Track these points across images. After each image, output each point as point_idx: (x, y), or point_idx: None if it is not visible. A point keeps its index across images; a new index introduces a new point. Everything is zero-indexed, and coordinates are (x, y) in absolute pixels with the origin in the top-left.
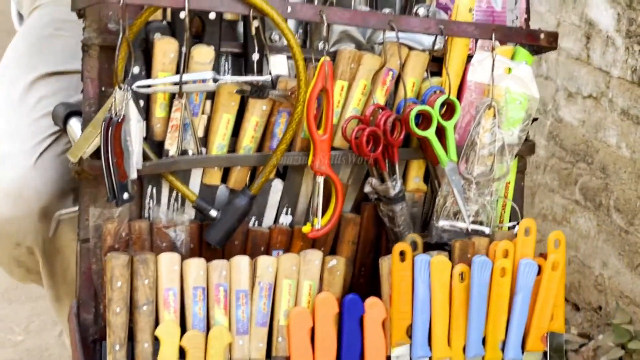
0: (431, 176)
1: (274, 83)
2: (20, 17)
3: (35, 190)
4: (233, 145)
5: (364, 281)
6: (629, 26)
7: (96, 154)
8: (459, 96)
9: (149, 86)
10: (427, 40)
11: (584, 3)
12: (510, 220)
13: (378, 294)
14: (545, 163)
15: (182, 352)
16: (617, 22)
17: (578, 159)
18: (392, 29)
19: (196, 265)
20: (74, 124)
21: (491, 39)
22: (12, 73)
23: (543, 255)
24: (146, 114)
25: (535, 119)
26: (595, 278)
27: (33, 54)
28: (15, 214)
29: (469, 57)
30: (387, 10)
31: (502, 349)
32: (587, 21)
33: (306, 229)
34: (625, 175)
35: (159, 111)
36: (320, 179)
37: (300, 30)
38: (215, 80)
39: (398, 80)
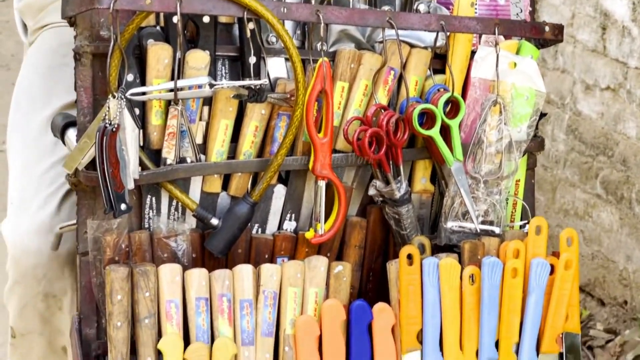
0: (438, 176)
1: (272, 86)
2: (25, 27)
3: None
4: (232, 152)
5: (372, 287)
6: None
7: (92, 165)
8: (464, 93)
9: (143, 93)
10: (428, 37)
11: None
12: (522, 219)
13: (388, 300)
14: (565, 157)
15: None
16: (633, 12)
17: (598, 152)
18: (392, 26)
19: (198, 275)
20: (71, 134)
21: (494, 33)
22: (25, 110)
23: (555, 254)
24: (142, 122)
25: (544, 114)
26: (620, 272)
27: (45, 87)
28: (41, 260)
29: (473, 53)
30: (386, 8)
31: (516, 352)
32: (602, 12)
33: (309, 234)
34: None
35: (155, 119)
36: (322, 183)
37: (298, 32)
38: (211, 86)
39: (400, 79)
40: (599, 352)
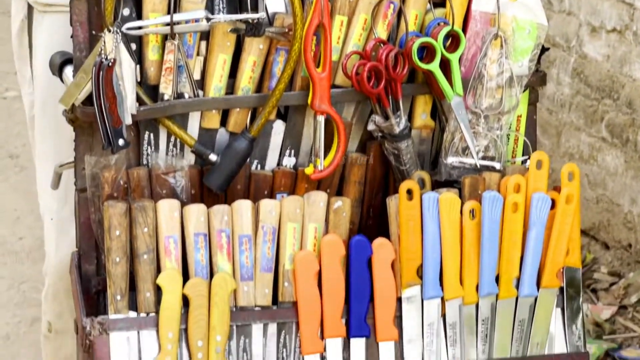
0: (438, 112)
1: (270, 20)
2: None
3: None
4: (231, 87)
5: (373, 223)
6: None
7: (89, 100)
8: (464, 27)
9: (139, 28)
10: None
11: None
12: (523, 155)
13: (388, 237)
14: (570, 101)
15: (185, 301)
16: None
17: (603, 95)
18: None
19: (196, 211)
20: (69, 71)
21: None
22: (53, 116)
23: (557, 189)
24: (139, 57)
25: (546, 49)
26: (625, 215)
27: None
28: None
29: None
30: None
31: (517, 287)
32: None
33: (309, 170)
34: None
35: (151, 54)
36: (321, 118)
37: None
38: (208, 20)
39: (400, 13)
40: (602, 295)
